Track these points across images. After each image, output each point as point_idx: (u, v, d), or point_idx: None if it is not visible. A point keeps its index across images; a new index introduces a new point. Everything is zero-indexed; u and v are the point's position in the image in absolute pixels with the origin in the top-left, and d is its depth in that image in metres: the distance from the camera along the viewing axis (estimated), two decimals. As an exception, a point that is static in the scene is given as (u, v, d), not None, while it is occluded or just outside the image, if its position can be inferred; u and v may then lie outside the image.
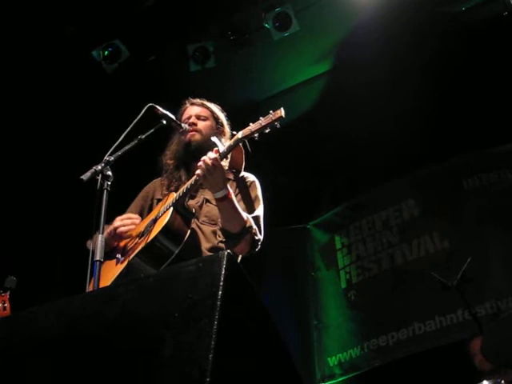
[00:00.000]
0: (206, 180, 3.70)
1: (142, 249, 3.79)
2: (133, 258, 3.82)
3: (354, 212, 8.19)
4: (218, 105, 4.51)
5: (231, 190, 3.82)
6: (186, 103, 4.45)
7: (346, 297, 7.92)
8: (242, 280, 2.46)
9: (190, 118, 4.29)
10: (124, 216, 4.15)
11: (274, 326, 2.61)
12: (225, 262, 2.30)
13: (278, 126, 3.63)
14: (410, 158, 7.41)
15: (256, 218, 3.99)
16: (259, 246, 3.95)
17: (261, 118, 3.67)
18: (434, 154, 7.35)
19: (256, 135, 3.66)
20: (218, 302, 2.21)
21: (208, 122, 4.32)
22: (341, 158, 7.90)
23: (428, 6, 7.06)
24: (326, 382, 7.66)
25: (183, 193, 3.88)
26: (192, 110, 4.37)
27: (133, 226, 4.03)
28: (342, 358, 7.65)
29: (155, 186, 4.45)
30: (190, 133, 4.21)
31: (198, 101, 4.44)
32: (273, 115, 3.64)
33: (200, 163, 3.70)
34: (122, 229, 4.01)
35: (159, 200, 4.26)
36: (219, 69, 7.60)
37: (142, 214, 4.30)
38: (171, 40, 7.53)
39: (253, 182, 4.21)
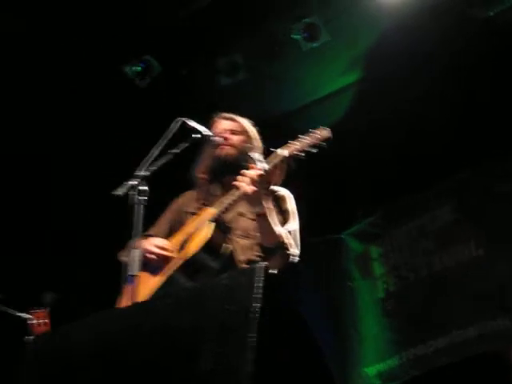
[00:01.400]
0: (249, 195, 3.70)
1: (181, 265, 3.81)
2: (172, 272, 3.83)
3: (389, 220, 8.14)
4: (250, 117, 4.50)
5: (271, 206, 3.82)
6: (216, 117, 4.44)
7: (383, 306, 7.87)
8: (278, 291, 2.46)
9: (221, 132, 4.27)
10: (159, 242, 4.10)
11: (311, 337, 2.61)
12: (261, 274, 2.30)
13: (325, 146, 3.62)
14: (444, 164, 7.35)
15: (291, 232, 4.00)
16: (296, 260, 3.94)
17: (305, 136, 3.67)
18: (469, 160, 7.28)
19: (302, 154, 3.65)
20: (256, 314, 2.21)
21: (241, 137, 4.28)
22: (375, 166, 7.86)
23: (457, 11, 7.00)
24: (365, 393, 7.63)
25: (224, 207, 3.89)
26: (223, 124, 4.34)
27: (161, 255, 4.00)
28: (381, 368, 7.60)
29: (187, 198, 4.43)
30: (225, 147, 4.20)
31: (228, 115, 4.42)
32: (319, 135, 3.64)
33: (244, 178, 3.71)
34: (152, 256, 3.99)
35: (192, 213, 4.24)
36: (250, 81, 7.61)
37: (174, 227, 4.28)
38: (202, 54, 7.56)
39: (284, 195, 4.19)
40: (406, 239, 7.91)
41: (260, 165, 3.72)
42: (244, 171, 3.75)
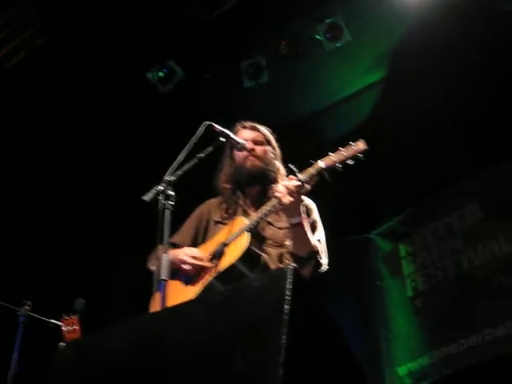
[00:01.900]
0: (286, 206, 3.74)
1: (218, 274, 3.83)
2: (209, 282, 3.85)
3: (417, 219, 8.11)
4: (276, 118, 4.52)
5: (305, 216, 3.87)
6: (237, 126, 4.45)
7: (412, 305, 7.83)
8: (307, 293, 2.46)
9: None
10: (194, 253, 4.12)
11: (343, 338, 2.60)
12: (290, 277, 2.30)
13: (362, 158, 3.65)
14: (472, 161, 7.29)
15: (320, 241, 4.06)
16: (324, 269, 3.97)
17: (341, 148, 3.71)
18: (496, 157, 7.22)
19: (340, 166, 3.68)
20: (286, 317, 2.20)
21: (264, 147, 4.34)
22: (401, 165, 7.82)
23: (482, 5, 6.94)
24: (396, 392, 7.59)
25: (260, 217, 3.92)
26: (246, 133, 4.36)
27: (198, 266, 4.02)
28: (412, 367, 7.56)
29: (210, 206, 4.47)
30: (250, 158, 4.24)
31: (250, 124, 4.45)
32: (355, 147, 3.70)
33: (280, 188, 3.76)
34: (188, 267, 4.02)
35: (217, 222, 4.29)
36: (275, 83, 7.61)
37: (197, 235, 4.34)
38: (225, 57, 7.57)
39: (310, 205, 4.23)
40: (433, 238, 7.88)
41: (297, 175, 3.74)
42: (284, 182, 3.80)
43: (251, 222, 3.94)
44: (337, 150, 3.73)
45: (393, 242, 8.30)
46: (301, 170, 3.75)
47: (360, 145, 3.70)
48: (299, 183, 3.71)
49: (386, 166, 7.92)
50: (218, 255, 3.95)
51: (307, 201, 4.21)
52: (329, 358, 2.47)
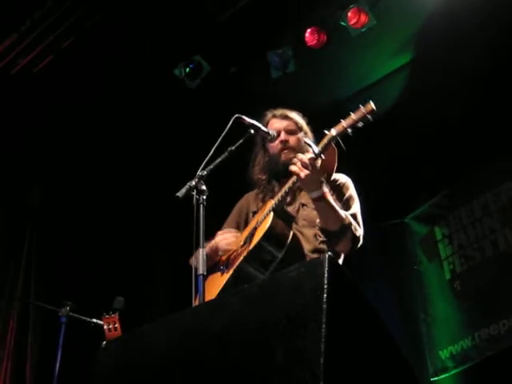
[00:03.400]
0: (302, 179, 3.72)
1: (246, 256, 3.87)
2: (237, 266, 3.88)
3: (452, 201, 8.04)
4: (305, 107, 4.51)
5: (327, 190, 3.83)
6: (267, 115, 4.45)
7: (451, 288, 7.78)
8: (345, 281, 2.46)
9: (277, 132, 4.29)
10: (225, 230, 4.25)
11: (382, 324, 2.59)
12: (327, 265, 2.30)
13: (371, 119, 3.63)
14: (504, 140, 7.22)
15: (353, 215, 4.01)
16: (361, 242, 3.96)
17: (351, 112, 3.68)
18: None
19: (350, 130, 3.66)
20: (324, 305, 2.21)
21: (296, 136, 4.34)
22: (432, 148, 7.77)
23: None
24: (439, 376, 7.54)
25: (282, 197, 3.94)
26: (277, 123, 4.37)
27: (234, 239, 4.12)
28: (454, 350, 7.52)
29: (248, 199, 4.53)
30: (284, 151, 4.25)
31: (281, 112, 4.45)
32: (364, 109, 3.66)
33: (295, 161, 3.74)
34: (224, 242, 4.11)
35: (255, 212, 4.32)
36: (301, 72, 7.59)
37: (239, 229, 4.38)
38: (251, 49, 7.56)
39: (345, 182, 4.22)
40: (469, 219, 7.81)
41: (312, 148, 3.74)
42: (297, 155, 3.80)
43: (275, 201, 3.95)
44: (347, 115, 3.72)
45: (428, 225, 8.24)
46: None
47: (368, 106, 3.68)
48: (311, 155, 3.71)
49: (417, 150, 7.87)
50: (248, 239, 3.98)
51: (342, 177, 4.22)
52: (368, 343, 2.47)
